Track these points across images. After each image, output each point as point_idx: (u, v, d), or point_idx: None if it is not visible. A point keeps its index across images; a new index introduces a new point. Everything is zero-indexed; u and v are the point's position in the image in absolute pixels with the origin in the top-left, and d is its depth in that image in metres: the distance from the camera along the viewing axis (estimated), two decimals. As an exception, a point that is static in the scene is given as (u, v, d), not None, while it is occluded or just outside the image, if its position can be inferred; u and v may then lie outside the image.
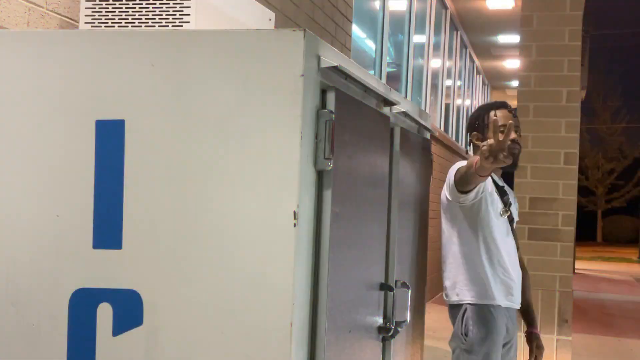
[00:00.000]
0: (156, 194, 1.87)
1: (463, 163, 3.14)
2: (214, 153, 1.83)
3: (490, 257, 3.24)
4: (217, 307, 1.82)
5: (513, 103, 4.79)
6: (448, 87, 13.65)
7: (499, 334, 3.24)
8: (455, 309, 3.31)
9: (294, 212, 1.77)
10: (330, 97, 1.88)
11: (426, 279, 3.18)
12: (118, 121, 1.89)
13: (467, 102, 16.23)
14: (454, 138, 14.07)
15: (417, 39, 10.50)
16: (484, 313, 3.22)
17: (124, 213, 1.88)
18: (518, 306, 3.37)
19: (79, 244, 1.90)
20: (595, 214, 41.05)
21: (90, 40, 1.95)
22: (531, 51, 6.58)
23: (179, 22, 2.32)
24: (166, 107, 1.87)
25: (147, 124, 1.88)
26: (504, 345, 3.31)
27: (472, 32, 14.27)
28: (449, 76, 13.55)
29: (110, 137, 1.89)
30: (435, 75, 12.10)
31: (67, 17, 2.65)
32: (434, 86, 12.11)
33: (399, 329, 2.48)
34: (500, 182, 3.41)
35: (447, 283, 3.33)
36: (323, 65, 1.86)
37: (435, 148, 10.09)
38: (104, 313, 1.89)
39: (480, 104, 16.83)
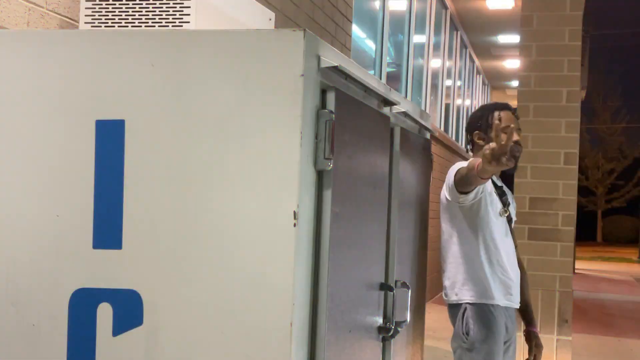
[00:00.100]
0: (156, 194, 1.87)
1: (463, 164, 3.14)
2: (214, 153, 1.83)
3: (490, 256, 3.25)
4: (217, 307, 1.82)
5: (513, 103, 4.80)
6: (448, 87, 13.65)
7: (500, 332, 3.25)
8: (454, 308, 3.32)
9: (294, 212, 1.77)
10: (330, 97, 1.88)
11: (426, 279, 3.18)
12: (118, 121, 1.89)
13: (467, 102, 16.23)
14: (454, 138, 14.07)
15: (417, 39, 10.50)
16: (484, 312, 3.23)
17: (124, 213, 1.88)
18: (517, 305, 3.38)
19: (79, 244, 1.90)
20: (595, 214, 41.05)
21: (90, 40, 1.95)
22: (531, 51, 6.58)
23: (179, 22, 2.32)
24: (166, 107, 1.87)
25: (147, 124, 1.88)
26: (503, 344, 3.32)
27: (472, 32, 14.27)
28: (449, 76, 13.55)
29: (110, 137, 1.89)
30: (435, 75, 12.10)
31: (67, 17, 2.65)
32: (434, 86, 12.11)
33: (399, 329, 2.48)
34: (499, 182, 3.42)
35: (446, 283, 3.34)
36: (323, 65, 1.86)
37: (435, 148, 10.10)
38: (104, 313, 1.89)
39: (480, 104, 16.84)
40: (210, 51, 1.85)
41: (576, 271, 17.80)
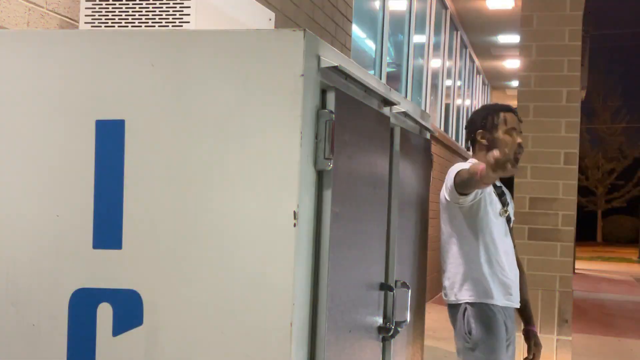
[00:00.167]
0: (156, 194, 1.87)
1: (462, 164, 3.15)
2: (214, 153, 1.83)
3: (489, 257, 3.26)
4: (217, 307, 1.82)
5: (513, 103, 4.80)
6: (448, 87, 13.65)
7: (500, 330, 3.26)
8: (454, 308, 3.32)
9: (294, 212, 1.77)
10: (330, 97, 1.88)
11: (426, 279, 3.18)
12: (118, 121, 1.89)
13: (467, 102, 16.23)
14: (454, 138, 14.07)
15: (417, 39, 10.50)
16: (484, 311, 3.25)
17: (124, 213, 1.88)
18: (517, 305, 3.39)
19: (79, 244, 1.90)
20: (595, 214, 41.04)
21: (90, 40, 1.95)
22: (531, 51, 6.58)
23: (179, 22, 2.33)
24: (166, 107, 1.87)
25: (147, 124, 1.88)
26: (503, 344, 3.33)
27: (472, 32, 14.27)
28: (449, 76, 13.55)
29: (110, 137, 1.89)
30: (435, 75, 12.10)
31: (67, 17, 2.65)
32: (434, 86, 12.11)
33: (399, 329, 2.48)
34: (498, 182, 3.42)
35: (446, 283, 3.35)
36: (323, 65, 1.86)
37: (435, 148, 10.09)
38: (104, 313, 1.89)
39: (480, 104, 16.85)
40: (210, 51, 1.85)
41: (576, 271, 17.80)
